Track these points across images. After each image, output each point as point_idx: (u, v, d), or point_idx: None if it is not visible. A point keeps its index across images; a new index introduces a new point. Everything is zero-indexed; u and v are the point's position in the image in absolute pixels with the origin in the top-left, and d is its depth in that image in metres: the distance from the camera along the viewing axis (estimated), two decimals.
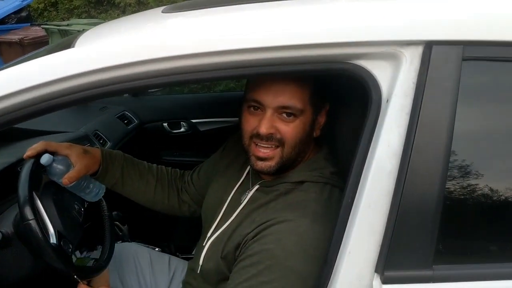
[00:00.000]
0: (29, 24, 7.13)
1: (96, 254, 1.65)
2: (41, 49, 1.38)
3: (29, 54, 1.30)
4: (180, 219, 2.13)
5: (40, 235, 1.15)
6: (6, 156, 1.56)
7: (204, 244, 1.22)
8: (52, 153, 1.27)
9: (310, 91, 1.08)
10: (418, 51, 0.89)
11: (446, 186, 0.88)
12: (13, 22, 7.36)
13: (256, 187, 1.18)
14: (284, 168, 1.12)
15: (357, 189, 0.90)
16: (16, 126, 1.00)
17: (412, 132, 0.87)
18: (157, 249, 1.85)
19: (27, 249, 1.25)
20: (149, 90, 2.47)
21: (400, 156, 0.88)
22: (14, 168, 1.49)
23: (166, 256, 1.63)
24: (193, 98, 2.64)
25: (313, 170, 1.13)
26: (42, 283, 1.40)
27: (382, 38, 0.90)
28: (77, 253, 1.58)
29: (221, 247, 1.13)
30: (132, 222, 1.95)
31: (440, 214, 0.87)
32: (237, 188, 1.25)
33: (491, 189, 0.93)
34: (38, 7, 9.34)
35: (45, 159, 1.23)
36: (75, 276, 1.20)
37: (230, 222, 1.17)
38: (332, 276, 0.92)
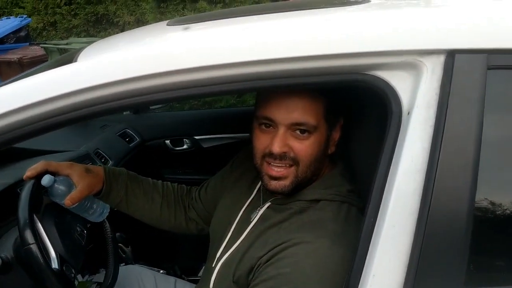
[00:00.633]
0: (28, 43, 7.13)
1: (98, 277, 1.59)
2: (40, 66, 1.34)
3: (28, 71, 1.25)
4: (184, 239, 2.06)
5: (41, 260, 1.09)
6: (4, 177, 1.50)
7: (213, 266, 1.15)
8: (53, 173, 1.21)
9: (324, 105, 1.03)
10: (439, 60, 0.85)
11: (476, 203, 0.82)
12: (12, 41, 7.36)
13: (268, 204, 1.13)
14: (298, 187, 1.06)
15: (379, 208, 0.85)
16: (14, 145, 0.95)
17: (437, 145, 0.82)
18: (161, 271, 1.78)
19: (28, 275, 1.19)
20: (156, 106, 2.43)
21: (425, 172, 0.82)
22: (13, 189, 1.44)
23: (171, 279, 1.57)
24: (195, 115, 2.60)
25: (328, 187, 1.07)
26: None
27: (401, 47, 0.85)
28: (79, 277, 1.53)
29: (232, 270, 1.07)
30: (135, 243, 1.89)
31: (470, 233, 0.81)
32: (247, 205, 1.19)
33: None
34: (37, 26, 9.37)
35: (46, 180, 1.18)
36: None
37: (241, 243, 1.11)
38: None
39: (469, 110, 0.82)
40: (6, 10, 9.39)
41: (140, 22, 8.74)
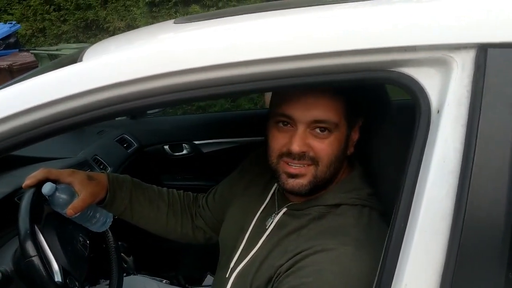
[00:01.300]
0: (17, 50, 7.05)
1: None
2: (37, 69, 1.28)
3: (24, 75, 1.19)
4: (187, 247, 2.00)
5: (44, 273, 1.04)
6: (1, 186, 1.44)
7: (227, 277, 1.10)
8: (54, 181, 1.15)
9: (344, 104, 0.98)
10: (470, 55, 0.80)
11: None
12: (1, 48, 7.27)
13: (284, 210, 1.07)
14: (316, 189, 1.01)
15: (409, 212, 0.80)
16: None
17: (471, 145, 0.77)
18: (164, 281, 1.72)
19: None
20: (153, 111, 2.36)
21: (459, 173, 0.77)
22: (11, 199, 1.37)
23: None
24: (194, 119, 2.54)
25: (349, 191, 1.02)
26: None
27: (429, 42, 0.80)
28: None
29: (249, 280, 1.02)
30: (137, 253, 1.82)
31: (510, 239, 0.76)
32: (261, 212, 1.13)
33: None
34: (26, 33, 9.28)
35: (47, 188, 1.12)
36: None
37: (257, 251, 1.06)
38: None
39: (505, 108, 0.77)
40: None
41: (131, 27, 8.68)
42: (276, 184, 1.14)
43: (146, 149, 2.33)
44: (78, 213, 1.15)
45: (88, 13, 8.90)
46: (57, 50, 5.62)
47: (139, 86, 0.79)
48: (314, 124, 0.96)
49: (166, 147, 2.36)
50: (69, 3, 8.92)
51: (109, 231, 1.37)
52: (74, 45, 6.18)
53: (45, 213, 1.19)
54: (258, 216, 1.13)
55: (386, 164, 1.08)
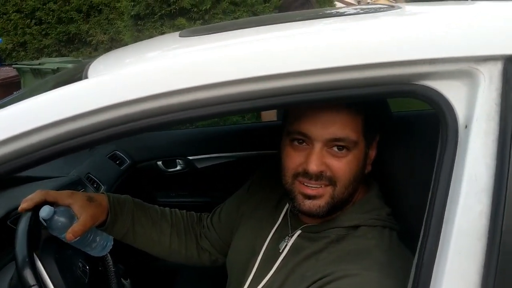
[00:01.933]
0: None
1: None
2: (32, 87, 1.21)
3: (16, 95, 1.13)
4: (185, 269, 1.94)
5: None
6: None
7: None
8: (52, 203, 1.09)
9: (363, 120, 0.94)
10: (497, 68, 0.77)
11: None
12: None
13: (298, 232, 1.02)
14: (334, 210, 0.96)
15: (440, 232, 0.76)
16: None
17: (505, 161, 0.73)
18: None
19: None
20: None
21: (492, 191, 0.74)
22: (4, 222, 1.30)
23: None
24: (188, 134, 2.47)
25: (368, 211, 0.98)
26: None
27: (455, 54, 0.77)
28: None
29: None
30: (135, 276, 1.75)
31: None
32: (273, 233, 1.08)
33: None
34: (6, 47, 9.13)
35: (45, 211, 1.06)
36: None
37: (272, 277, 1.00)
38: None
39: None
40: None
41: (114, 40, 8.62)
42: (287, 204, 1.09)
43: (139, 166, 2.26)
44: (78, 237, 1.09)
45: (70, 26, 8.81)
46: (39, 64, 5.53)
47: (157, 103, 0.74)
48: (332, 142, 0.92)
49: (160, 163, 2.29)
50: (51, 17, 8.82)
51: (108, 255, 1.31)
52: (57, 59, 6.08)
53: (42, 238, 1.12)
54: (271, 238, 1.07)
55: (403, 181, 1.04)
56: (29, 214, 1.07)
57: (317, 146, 0.92)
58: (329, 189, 0.94)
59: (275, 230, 1.08)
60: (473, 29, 0.78)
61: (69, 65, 5.28)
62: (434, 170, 0.80)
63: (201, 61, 0.78)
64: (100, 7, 8.69)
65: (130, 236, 1.21)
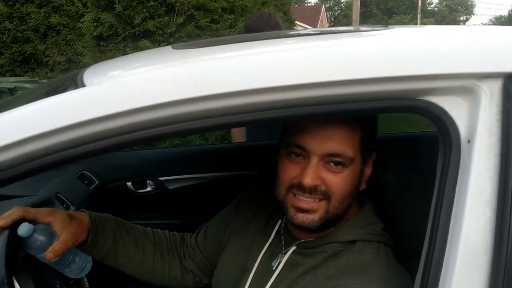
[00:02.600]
0: None
1: None
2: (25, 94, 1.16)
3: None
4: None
5: None
6: None
7: None
8: (30, 221, 1.03)
9: (360, 136, 0.94)
10: (497, 84, 0.79)
11: None
12: None
13: (293, 248, 1.00)
14: (327, 225, 0.95)
15: (445, 247, 0.76)
16: None
17: (508, 175, 0.75)
18: None
19: None
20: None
21: (496, 204, 0.75)
22: None
23: None
24: (159, 154, 2.42)
25: (363, 227, 0.97)
26: None
27: (457, 70, 0.79)
28: None
29: None
30: None
31: None
32: (265, 250, 1.05)
33: None
34: None
35: (24, 229, 0.99)
36: None
37: None
38: None
39: None
40: None
41: (72, 62, 8.45)
42: (280, 220, 1.08)
43: (108, 186, 2.18)
44: (58, 257, 1.03)
45: (26, 46, 8.59)
46: None
47: (162, 112, 0.71)
48: (329, 157, 0.92)
49: (129, 184, 2.22)
50: (6, 36, 8.57)
51: (85, 277, 1.24)
52: (14, 78, 5.91)
53: (20, 257, 1.05)
54: (263, 255, 1.05)
55: (397, 197, 1.04)
56: (6, 232, 1.00)
57: (314, 160, 0.91)
58: (323, 204, 0.93)
59: (268, 247, 1.06)
60: (474, 46, 0.81)
61: (26, 85, 5.12)
62: (437, 185, 0.81)
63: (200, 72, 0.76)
64: (58, 27, 8.53)
65: (112, 256, 1.15)
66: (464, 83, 0.79)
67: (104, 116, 0.71)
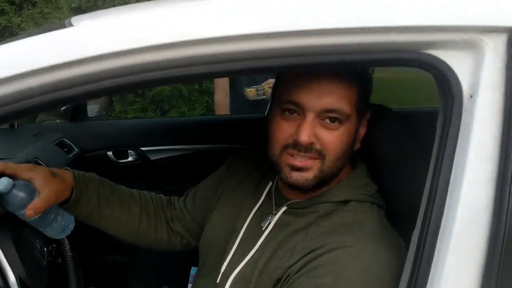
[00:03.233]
0: None
1: None
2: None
3: None
4: (142, 258, 1.84)
5: (1, 285, 0.86)
6: None
7: (218, 282, 0.98)
8: (10, 176, 0.98)
9: (357, 93, 0.91)
10: (501, 39, 0.77)
11: None
12: None
13: (283, 209, 0.98)
14: (320, 184, 0.93)
15: (444, 204, 0.74)
16: None
17: (510, 130, 0.74)
18: None
19: None
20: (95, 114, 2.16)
21: (498, 160, 0.73)
22: None
23: None
24: (142, 124, 2.37)
25: (357, 188, 0.96)
26: None
27: (461, 23, 0.76)
28: None
29: (251, 284, 0.91)
30: (86, 264, 1.63)
31: None
32: (255, 212, 1.03)
33: None
34: None
35: (3, 184, 0.95)
36: None
37: (256, 253, 0.95)
38: None
39: None
40: None
41: None
42: (271, 182, 1.05)
43: (88, 155, 2.13)
44: (38, 215, 0.98)
45: (0, 18, 8.32)
46: None
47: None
48: (325, 113, 0.89)
49: (110, 153, 2.17)
50: None
51: (65, 239, 1.20)
52: None
53: None
54: (252, 216, 1.03)
55: (392, 158, 1.02)
56: None
57: (310, 117, 0.88)
58: (317, 162, 0.91)
59: (257, 208, 1.04)
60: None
61: None
62: (437, 140, 0.79)
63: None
64: (34, 0, 8.28)
65: (95, 217, 1.11)
66: (468, 37, 0.77)
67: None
